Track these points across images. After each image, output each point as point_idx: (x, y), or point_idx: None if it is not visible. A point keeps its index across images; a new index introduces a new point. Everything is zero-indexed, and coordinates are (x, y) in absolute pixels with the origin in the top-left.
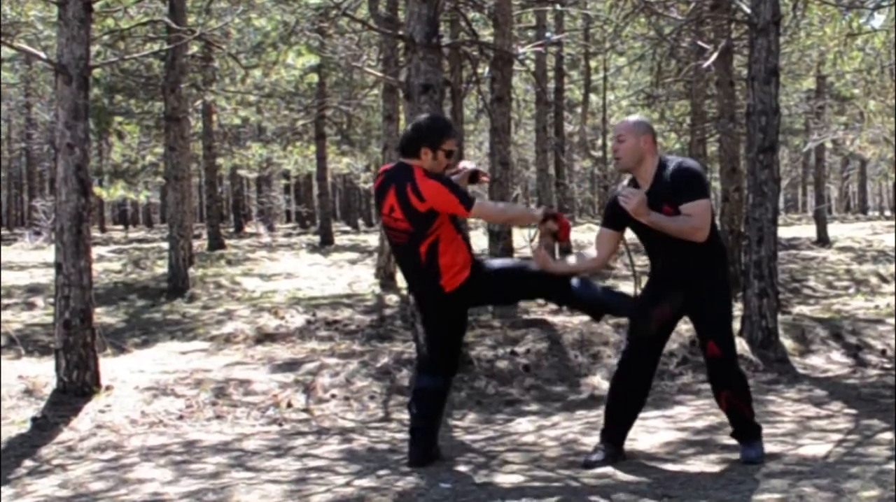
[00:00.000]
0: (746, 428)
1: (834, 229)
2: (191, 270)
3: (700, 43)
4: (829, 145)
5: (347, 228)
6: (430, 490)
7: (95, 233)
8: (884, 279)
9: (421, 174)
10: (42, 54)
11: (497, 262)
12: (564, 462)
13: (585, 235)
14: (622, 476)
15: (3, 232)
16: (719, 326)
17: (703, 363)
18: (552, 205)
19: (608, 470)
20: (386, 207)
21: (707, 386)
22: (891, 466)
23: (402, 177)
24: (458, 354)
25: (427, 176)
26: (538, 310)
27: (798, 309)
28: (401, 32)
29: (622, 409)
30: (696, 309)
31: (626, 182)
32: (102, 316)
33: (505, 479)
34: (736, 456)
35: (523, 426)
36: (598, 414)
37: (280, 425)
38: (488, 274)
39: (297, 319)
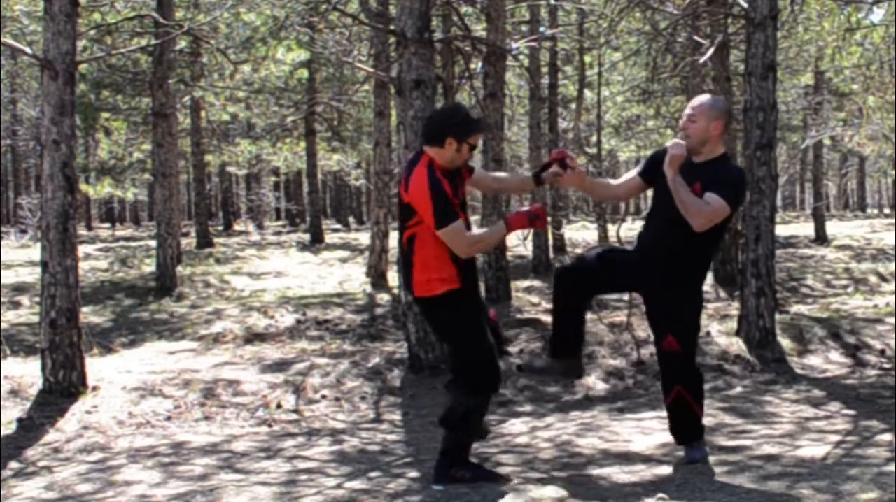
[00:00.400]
0: (694, 429)
1: (832, 227)
2: (179, 269)
3: (696, 38)
4: (827, 142)
5: (338, 226)
6: (421, 492)
7: (82, 231)
8: (883, 278)
9: (423, 164)
10: (28, 49)
11: (483, 314)
12: (559, 464)
13: (580, 233)
14: (618, 477)
15: None
16: (685, 324)
17: (697, 363)
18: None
19: (604, 471)
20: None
21: (704, 386)
22: (890, 468)
23: (411, 162)
24: (464, 359)
25: (427, 169)
26: (531, 309)
27: (796, 308)
28: (392, 27)
29: (558, 327)
30: (664, 302)
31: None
32: (89, 315)
33: (502, 477)
34: (734, 456)
35: (517, 427)
36: (592, 415)
37: (269, 426)
38: (466, 313)
39: (286, 319)
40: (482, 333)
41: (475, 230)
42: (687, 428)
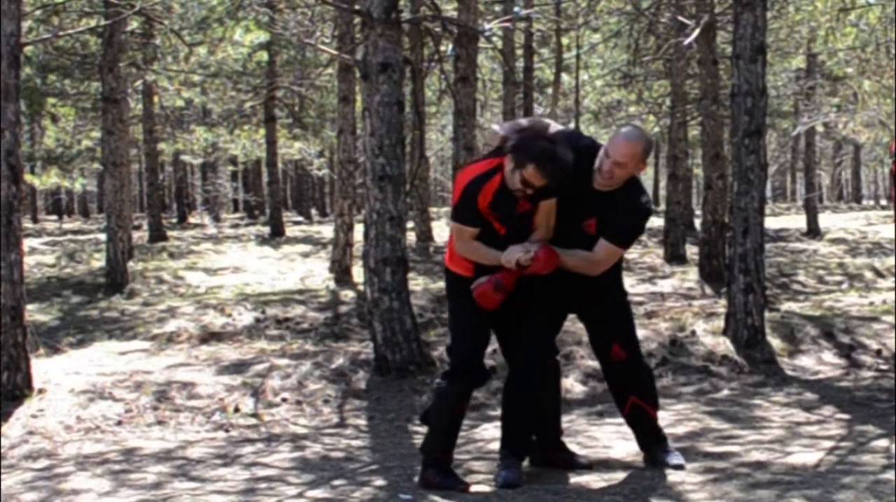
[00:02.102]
0: (654, 433)
1: (825, 219)
2: (130, 264)
3: (681, 18)
4: (820, 129)
5: (299, 218)
6: (388, 501)
7: (27, 224)
8: (879, 273)
9: (491, 163)
10: None
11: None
12: (534, 472)
13: None
14: (597, 485)
15: None
16: (623, 327)
17: (682, 365)
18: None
19: (583, 478)
20: None
21: (689, 389)
22: (887, 476)
23: (492, 153)
24: (451, 342)
25: (487, 169)
26: None
27: (786, 305)
28: (357, 7)
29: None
30: (594, 309)
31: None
32: (35, 313)
33: (470, 489)
34: (721, 463)
35: (489, 432)
36: (570, 419)
37: (227, 431)
38: (467, 304)
39: (245, 317)
40: (475, 328)
41: (487, 248)
42: (648, 435)
